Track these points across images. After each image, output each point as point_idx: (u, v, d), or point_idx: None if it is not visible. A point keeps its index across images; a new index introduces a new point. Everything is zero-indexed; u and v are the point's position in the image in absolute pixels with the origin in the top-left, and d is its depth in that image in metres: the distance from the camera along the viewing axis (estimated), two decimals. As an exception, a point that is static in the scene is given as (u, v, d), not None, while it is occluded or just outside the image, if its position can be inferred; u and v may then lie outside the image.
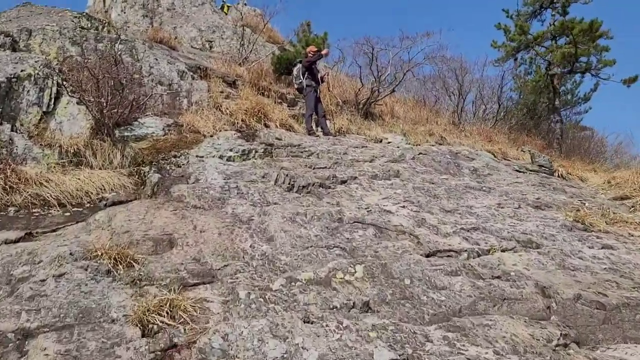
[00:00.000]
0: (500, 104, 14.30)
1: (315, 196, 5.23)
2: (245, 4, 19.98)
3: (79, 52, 8.07)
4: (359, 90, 11.29)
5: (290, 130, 9.48)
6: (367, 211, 4.52)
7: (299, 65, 9.39)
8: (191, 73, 9.26)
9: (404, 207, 4.71)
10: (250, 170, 6.24)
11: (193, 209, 5.02)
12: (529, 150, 11.33)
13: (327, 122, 9.60)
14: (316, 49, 9.43)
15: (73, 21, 9.66)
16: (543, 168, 10.54)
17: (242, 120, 8.59)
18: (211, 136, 7.67)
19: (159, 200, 5.35)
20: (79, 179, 6.38)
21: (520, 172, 8.68)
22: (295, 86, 9.53)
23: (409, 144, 8.57)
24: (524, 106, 16.74)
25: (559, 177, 10.29)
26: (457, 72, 13.51)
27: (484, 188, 5.84)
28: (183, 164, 6.62)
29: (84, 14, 10.12)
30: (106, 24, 10.67)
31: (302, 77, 9.20)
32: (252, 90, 10.65)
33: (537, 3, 16.30)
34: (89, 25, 9.92)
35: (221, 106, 9.06)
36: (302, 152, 7.04)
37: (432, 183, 5.78)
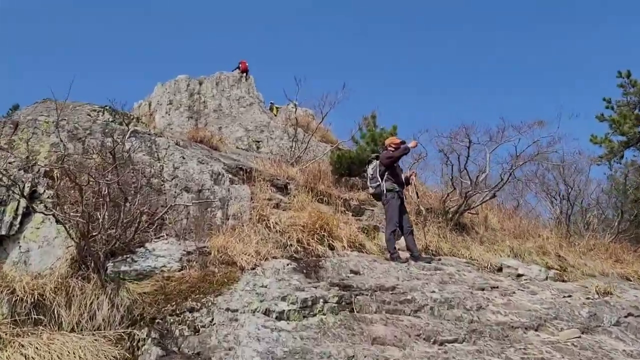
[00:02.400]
0: (622, 211, 11.09)
1: None
2: (296, 105, 18.45)
3: (81, 150, 5.92)
4: (448, 195, 8.57)
5: (361, 251, 6.71)
6: None
7: (376, 163, 6.82)
8: (230, 175, 6.87)
9: None
10: (319, 348, 3.37)
11: None
12: None
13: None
14: (399, 141, 6.90)
15: (90, 115, 7.75)
16: None
17: (297, 242, 5.92)
18: (253, 269, 4.97)
19: None
20: (25, 355, 3.74)
21: None
22: (371, 190, 6.88)
23: (553, 278, 5.52)
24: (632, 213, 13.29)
25: None
26: (564, 171, 10.63)
27: None
28: (203, 326, 3.88)
29: (107, 107, 8.25)
30: (133, 119, 8.79)
31: (380, 179, 6.58)
32: (308, 195, 8.16)
33: (644, 90, 13.67)
34: (111, 119, 8.00)
35: (269, 220, 6.47)
36: (401, 303, 4.15)
37: None
